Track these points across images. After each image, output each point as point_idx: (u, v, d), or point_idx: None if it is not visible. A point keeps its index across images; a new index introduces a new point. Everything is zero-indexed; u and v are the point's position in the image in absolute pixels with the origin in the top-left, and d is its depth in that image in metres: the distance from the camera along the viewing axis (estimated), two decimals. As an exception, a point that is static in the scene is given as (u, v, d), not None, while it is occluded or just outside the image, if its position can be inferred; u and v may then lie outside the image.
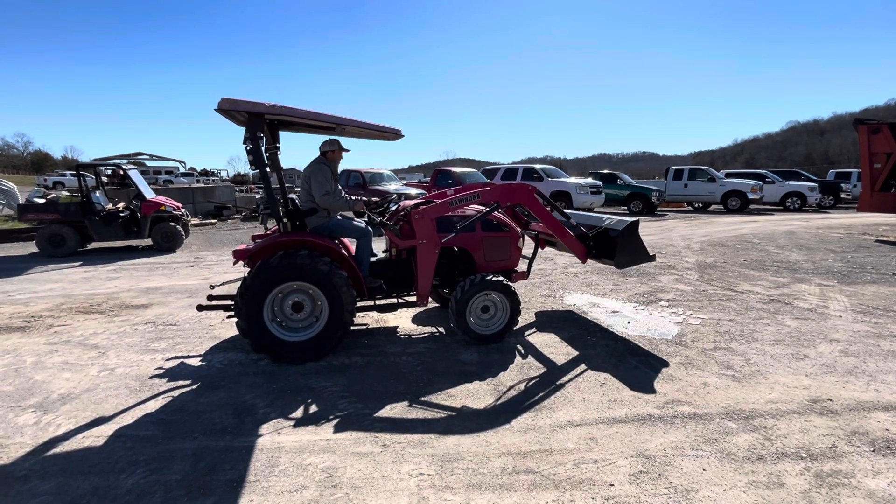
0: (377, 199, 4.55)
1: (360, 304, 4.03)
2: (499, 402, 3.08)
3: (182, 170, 36.76)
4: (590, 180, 16.86)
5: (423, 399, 3.12)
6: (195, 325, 4.65)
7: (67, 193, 12.15)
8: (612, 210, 18.83)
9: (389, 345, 4.10)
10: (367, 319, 4.78)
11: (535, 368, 3.60)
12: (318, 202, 3.93)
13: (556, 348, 4.02)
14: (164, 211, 9.47)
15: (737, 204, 17.79)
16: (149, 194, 9.73)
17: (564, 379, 3.41)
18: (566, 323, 4.69)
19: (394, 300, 4.26)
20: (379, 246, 4.67)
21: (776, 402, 3.03)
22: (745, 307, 5.15)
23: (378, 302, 4.22)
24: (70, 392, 3.23)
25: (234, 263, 3.91)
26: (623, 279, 6.54)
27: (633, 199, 17.67)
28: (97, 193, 9.36)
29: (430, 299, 4.28)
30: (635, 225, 4.10)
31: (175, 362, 3.74)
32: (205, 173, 44.88)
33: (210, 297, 4.14)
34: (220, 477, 2.32)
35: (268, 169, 3.72)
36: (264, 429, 2.76)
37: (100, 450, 2.55)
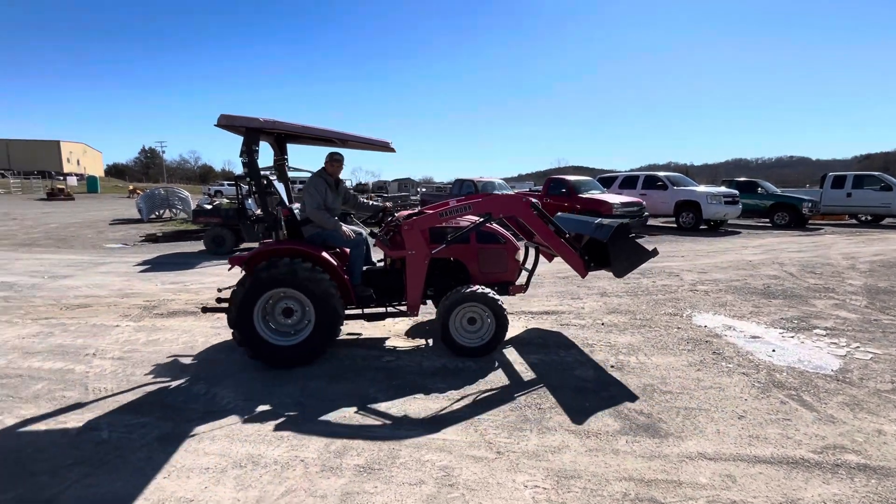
0: (387, 207, 4.78)
1: (349, 311, 4.08)
2: (618, 422, 2.91)
3: (314, 179, 40.88)
4: (723, 189, 14.89)
5: (537, 411, 3.08)
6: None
7: (227, 200, 14.27)
8: (751, 223, 16.73)
9: (501, 353, 4.11)
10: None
11: (659, 392, 3.33)
12: (307, 213, 4.08)
13: (684, 372, 3.68)
14: (300, 216, 10.64)
15: (922, 217, 14.65)
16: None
17: (693, 405, 3.11)
18: (695, 345, 4.27)
19: (382, 309, 4.26)
20: (380, 255, 4.65)
21: None
22: (937, 344, 4.20)
23: (367, 311, 4.23)
24: (228, 371, 3.79)
25: (230, 269, 4.01)
26: (766, 300, 5.77)
27: (778, 210, 15.40)
28: (249, 201, 10.85)
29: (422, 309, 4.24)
30: (622, 228, 3.79)
31: (310, 352, 4.16)
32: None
33: (219, 300, 4.37)
34: (349, 461, 2.53)
35: (264, 181, 3.92)
36: (385, 421, 2.95)
37: (252, 422, 2.95)
